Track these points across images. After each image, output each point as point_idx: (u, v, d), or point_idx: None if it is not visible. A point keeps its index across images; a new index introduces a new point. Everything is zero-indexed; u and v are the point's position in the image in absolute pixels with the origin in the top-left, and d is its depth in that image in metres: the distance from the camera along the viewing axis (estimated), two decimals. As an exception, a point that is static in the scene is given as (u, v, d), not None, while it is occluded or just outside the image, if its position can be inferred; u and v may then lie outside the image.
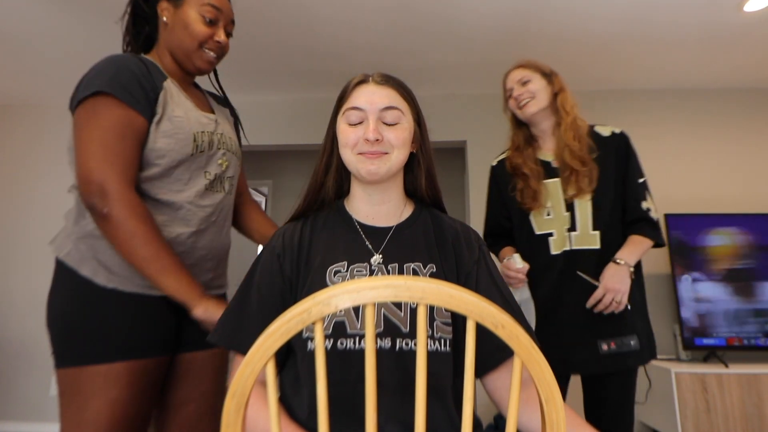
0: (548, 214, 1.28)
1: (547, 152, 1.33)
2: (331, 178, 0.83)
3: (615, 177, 1.27)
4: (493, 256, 0.94)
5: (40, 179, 2.97)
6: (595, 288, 1.20)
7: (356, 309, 0.71)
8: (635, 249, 1.22)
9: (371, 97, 0.76)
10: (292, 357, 0.75)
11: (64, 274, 0.89)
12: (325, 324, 0.69)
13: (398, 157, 0.77)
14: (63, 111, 3.06)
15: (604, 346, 1.17)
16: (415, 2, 2.06)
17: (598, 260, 1.22)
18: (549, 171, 1.30)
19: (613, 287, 1.17)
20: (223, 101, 1.18)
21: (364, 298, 0.40)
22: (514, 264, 1.21)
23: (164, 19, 0.98)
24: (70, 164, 0.92)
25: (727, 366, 2.24)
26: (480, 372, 0.74)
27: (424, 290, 0.39)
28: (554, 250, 1.25)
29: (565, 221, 1.26)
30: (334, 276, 0.74)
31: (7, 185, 3.01)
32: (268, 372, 0.41)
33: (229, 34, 1.04)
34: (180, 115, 0.93)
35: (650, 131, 2.88)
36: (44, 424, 2.69)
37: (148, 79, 0.90)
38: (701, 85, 2.89)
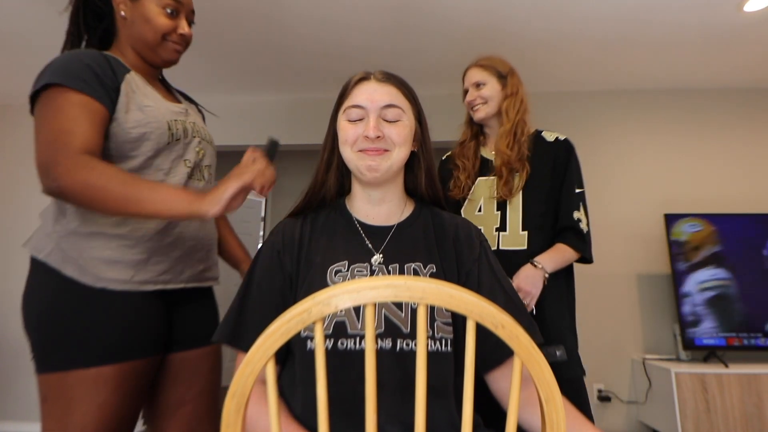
0: (479, 210, 1.29)
1: (492, 150, 1.35)
2: (332, 176, 0.83)
3: (551, 182, 1.27)
4: None
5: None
6: None
7: (357, 309, 0.70)
8: (556, 256, 1.21)
9: (372, 95, 0.76)
10: (292, 357, 0.74)
11: (44, 274, 0.85)
12: (326, 324, 0.68)
13: (399, 154, 0.77)
14: (63, 111, 3.07)
15: None
16: (413, 2, 2.06)
17: (525, 261, 1.21)
18: (487, 168, 1.31)
19: (524, 288, 1.15)
20: (188, 98, 1.14)
21: (365, 298, 0.40)
22: None
23: (122, 13, 0.94)
24: None
25: (727, 366, 2.24)
26: (483, 370, 0.74)
27: (424, 290, 0.39)
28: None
29: (494, 220, 1.26)
30: (335, 275, 0.74)
31: (7, 185, 3.02)
32: (268, 372, 0.41)
33: (191, 23, 1.01)
34: (150, 105, 0.91)
35: (650, 131, 2.88)
36: (44, 424, 2.69)
37: (105, 69, 0.86)
38: (701, 85, 2.89)
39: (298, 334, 0.68)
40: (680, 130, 2.89)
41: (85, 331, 0.81)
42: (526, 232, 1.24)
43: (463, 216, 1.30)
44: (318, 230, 0.80)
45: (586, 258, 1.26)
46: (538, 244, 1.23)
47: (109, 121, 0.86)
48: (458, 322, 0.72)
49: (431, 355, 0.69)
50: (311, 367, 0.66)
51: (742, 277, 2.41)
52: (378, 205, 0.81)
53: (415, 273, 0.75)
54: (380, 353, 0.67)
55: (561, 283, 1.26)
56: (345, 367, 0.66)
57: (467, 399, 0.39)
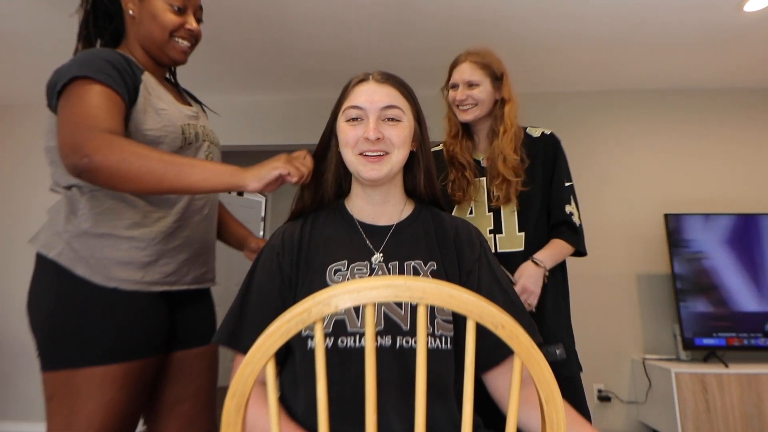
0: (470, 212, 1.27)
1: (479, 152, 1.32)
2: (330, 177, 0.83)
3: (542, 178, 1.26)
4: None
5: (40, 179, 2.96)
6: None
7: (356, 307, 0.70)
8: (554, 252, 1.20)
9: (371, 96, 0.76)
10: (292, 357, 0.75)
11: (53, 273, 0.85)
12: (326, 322, 0.69)
13: (398, 156, 0.77)
14: (63, 111, 3.07)
15: None
16: (412, 2, 2.06)
17: (522, 262, 1.20)
18: (478, 170, 1.29)
19: (528, 288, 1.14)
20: (194, 98, 1.15)
21: (365, 298, 0.40)
22: None
23: (130, 12, 0.95)
24: (50, 165, 0.90)
25: (727, 366, 2.24)
26: (482, 369, 0.74)
27: (424, 290, 0.39)
28: None
29: (487, 222, 1.24)
30: (335, 275, 0.74)
31: (7, 185, 3.02)
32: (268, 372, 0.41)
33: (199, 20, 1.01)
34: (165, 108, 0.92)
35: (650, 131, 2.88)
36: (44, 424, 2.69)
37: (125, 67, 0.88)
38: (701, 85, 2.89)
39: (299, 333, 0.68)
40: (680, 130, 2.89)
41: (94, 330, 0.82)
42: (522, 233, 1.23)
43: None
44: (318, 231, 0.80)
45: (580, 251, 1.24)
46: (535, 244, 1.22)
47: (127, 120, 0.87)
48: (459, 319, 0.72)
49: (431, 353, 0.69)
50: (312, 367, 0.66)
51: (743, 277, 2.41)
52: (378, 205, 0.81)
53: (416, 271, 0.75)
54: (380, 351, 0.67)
55: (558, 280, 1.25)
56: (345, 365, 0.66)
57: (467, 399, 0.39)
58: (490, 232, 1.24)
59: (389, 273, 0.75)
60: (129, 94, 0.86)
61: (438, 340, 0.69)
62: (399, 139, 0.76)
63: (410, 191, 0.87)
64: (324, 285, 0.72)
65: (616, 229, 2.78)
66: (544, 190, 1.26)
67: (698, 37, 2.33)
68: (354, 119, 0.77)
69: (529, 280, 1.15)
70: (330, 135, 0.83)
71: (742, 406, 2.15)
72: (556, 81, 2.85)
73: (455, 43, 2.41)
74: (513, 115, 1.25)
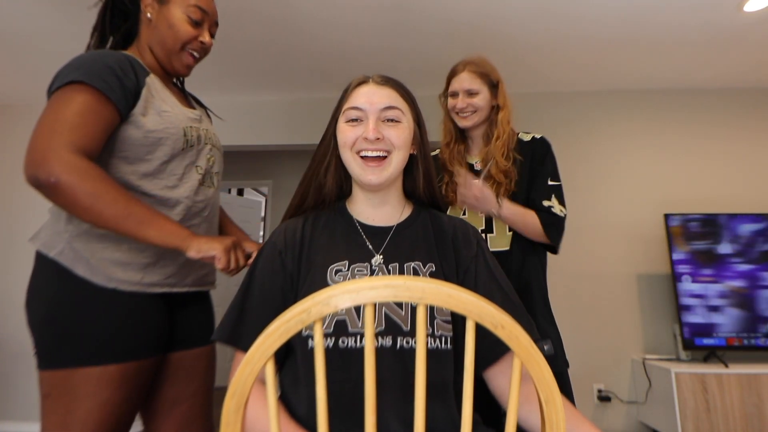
0: (464, 213, 1.30)
1: (474, 156, 1.35)
2: (331, 178, 0.83)
3: (528, 179, 1.28)
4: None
5: (40, 179, 2.97)
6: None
7: (357, 308, 0.70)
8: (520, 211, 1.20)
9: (371, 98, 0.77)
10: (292, 356, 0.75)
11: (53, 273, 0.85)
12: (326, 323, 0.69)
13: (398, 157, 0.78)
14: (63, 111, 3.07)
15: None
16: (412, 3, 2.06)
17: (506, 262, 1.21)
18: (472, 172, 1.32)
19: (474, 191, 1.17)
20: (199, 103, 1.16)
21: (364, 298, 0.40)
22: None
23: (148, 15, 0.96)
24: None
25: (727, 366, 2.24)
26: (481, 367, 0.75)
27: (423, 290, 0.39)
28: None
29: (479, 222, 1.27)
30: (335, 275, 0.74)
31: (8, 185, 3.02)
32: (267, 372, 0.41)
33: (212, 35, 1.03)
34: (168, 110, 0.92)
35: (650, 131, 2.88)
36: (44, 424, 2.70)
37: (128, 72, 0.87)
38: (701, 85, 2.89)
39: (300, 332, 0.68)
40: (680, 130, 2.89)
41: (92, 330, 0.83)
42: (512, 233, 1.25)
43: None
44: (319, 231, 0.81)
45: (551, 240, 1.21)
46: (522, 242, 1.24)
47: (122, 123, 0.87)
48: (457, 319, 0.73)
49: (431, 353, 0.69)
50: (313, 367, 0.67)
51: (742, 277, 2.41)
52: (378, 207, 0.82)
53: (415, 272, 0.76)
54: (381, 351, 0.67)
55: (539, 279, 1.27)
56: (346, 365, 0.67)
57: (467, 398, 0.39)
58: (482, 231, 1.27)
59: (389, 274, 0.75)
60: (127, 99, 0.86)
61: (438, 341, 0.70)
62: (399, 139, 0.77)
63: (409, 193, 0.88)
64: (325, 284, 0.72)
65: (616, 229, 2.78)
66: (528, 188, 1.28)
67: (698, 37, 2.33)
68: (354, 120, 0.77)
69: (478, 189, 1.16)
70: (330, 138, 0.83)
71: (742, 406, 2.15)
72: (556, 81, 2.85)
73: (455, 44, 2.42)
74: (506, 120, 1.28)
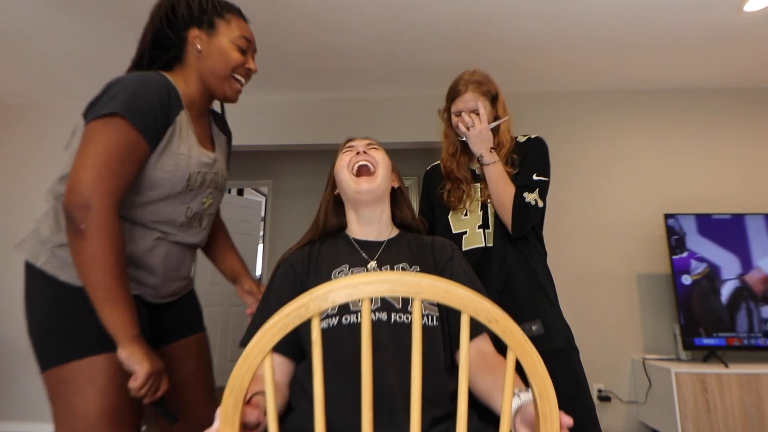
0: (465, 215, 1.34)
1: (474, 162, 1.38)
2: (332, 216, 1.04)
3: (517, 172, 1.32)
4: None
5: (40, 179, 2.97)
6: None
7: None
8: (504, 177, 1.26)
9: (359, 142, 1.05)
10: (308, 348, 0.83)
11: (41, 282, 0.90)
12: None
13: (383, 173, 0.98)
14: (63, 111, 3.08)
15: None
16: (412, 5, 2.06)
17: (485, 258, 1.27)
18: (473, 177, 1.38)
19: (484, 126, 1.27)
20: (223, 125, 1.19)
21: (361, 293, 0.40)
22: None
23: (198, 47, 1.00)
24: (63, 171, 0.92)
25: (727, 366, 2.24)
26: (454, 348, 0.86)
27: (419, 285, 0.39)
28: (465, 246, 1.31)
29: (477, 219, 1.32)
30: (338, 275, 0.88)
31: (7, 185, 3.02)
32: (265, 367, 0.41)
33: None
34: (183, 153, 0.95)
35: (650, 131, 2.89)
36: (44, 424, 2.70)
37: (165, 110, 0.91)
38: (701, 86, 2.90)
39: (308, 323, 0.70)
40: (680, 130, 2.89)
41: (76, 327, 0.87)
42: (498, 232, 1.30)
43: (450, 219, 1.39)
44: (324, 248, 0.98)
45: (513, 223, 1.24)
46: (506, 239, 1.28)
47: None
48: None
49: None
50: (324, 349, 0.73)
51: (742, 277, 2.41)
52: (369, 224, 0.99)
53: (403, 270, 0.85)
54: (378, 323, 0.81)
55: (539, 264, 1.29)
56: (350, 337, 0.78)
57: (462, 396, 0.39)
58: (479, 227, 1.31)
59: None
60: (158, 140, 0.91)
61: (426, 318, 0.84)
62: (382, 158, 1.00)
63: (398, 224, 1.06)
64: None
65: (616, 229, 2.79)
66: (514, 178, 1.30)
67: (698, 37, 2.33)
68: (347, 151, 1.02)
69: (486, 129, 1.26)
70: (331, 185, 1.05)
71: (742, 406, 2.15)
72: (555, 81, 2.85)
73: (453, 45, 2.42)
74: (507, 129, 1.34)
